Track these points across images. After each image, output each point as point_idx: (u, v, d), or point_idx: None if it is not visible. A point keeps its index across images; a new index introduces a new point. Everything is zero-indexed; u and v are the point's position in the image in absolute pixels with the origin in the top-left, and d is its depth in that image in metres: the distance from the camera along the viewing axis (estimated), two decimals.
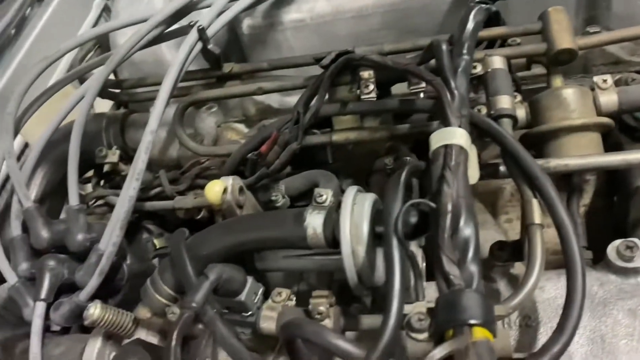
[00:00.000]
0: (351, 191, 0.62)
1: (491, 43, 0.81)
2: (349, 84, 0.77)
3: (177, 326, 0.55)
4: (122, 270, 0.81)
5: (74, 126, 0.80)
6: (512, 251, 0.68)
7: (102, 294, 0.75)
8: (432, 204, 0.54)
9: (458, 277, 0.52)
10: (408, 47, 0.80)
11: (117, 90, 0.99)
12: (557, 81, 0.75)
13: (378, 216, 0.61)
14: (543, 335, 0.63)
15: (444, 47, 0.67)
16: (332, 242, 0.61)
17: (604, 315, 0.63)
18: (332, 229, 0.61)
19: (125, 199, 0.72)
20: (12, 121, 0.80)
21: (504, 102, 0.69)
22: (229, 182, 0.73)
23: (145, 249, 0.90)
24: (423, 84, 0.74)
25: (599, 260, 0.69)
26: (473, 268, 0.53)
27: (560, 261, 0.70)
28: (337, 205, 0.65)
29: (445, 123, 0.60)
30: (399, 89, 0.82)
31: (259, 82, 0.84)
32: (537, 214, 0.62)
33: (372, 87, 0.74)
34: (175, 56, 0.79)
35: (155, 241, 0.93)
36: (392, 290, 0.51)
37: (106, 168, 0.97)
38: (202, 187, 0.89)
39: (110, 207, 0.93)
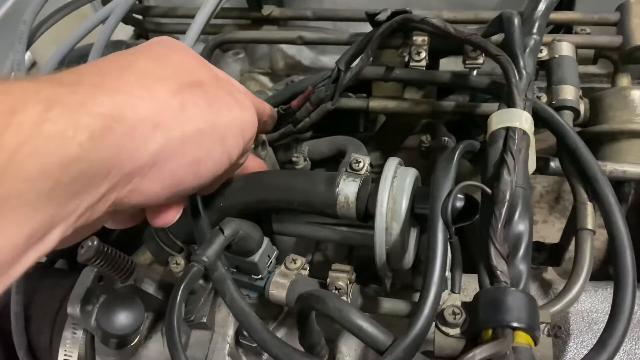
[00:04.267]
0: (392, 162, 0.56)
1: (556, 28, 0.74)
2: (399, 48, 0.70)
3: (184, 280, 0.49)
4: None
5: (92, 50, 0.73)
6: (550, 254, 0.63)
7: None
8: (488, 190, 0.49)
9: (505, 273, 0.46)
10: (469, 18, 0.73)
11: (140, 17, 0.91)
12: (624, 80, 0.69)
13: (418, 194, 0.56)
14: (572, 349, 0.59)
15: (517, 20, 0.60)
16: (364, 214, 0.55)
17: None
18: (367, 200, 0.55)
19: None
20: (27, 31, 0.73)
21: (569, 92, 0.63)
22: None
23: None
24: (479, 61, 0.68)
25: None
26: (522, 267, 0.47)
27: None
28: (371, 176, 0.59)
29: (510, 104, 0.54)
30: (445, 65, 0.76)
31: (300, 30, 0.77)
32: (590, 219, 0.56)
33: (423, 54, 0.68)
34: None
35: None
36: (432, 277, 0.46)
37: None
38: None
39: None
